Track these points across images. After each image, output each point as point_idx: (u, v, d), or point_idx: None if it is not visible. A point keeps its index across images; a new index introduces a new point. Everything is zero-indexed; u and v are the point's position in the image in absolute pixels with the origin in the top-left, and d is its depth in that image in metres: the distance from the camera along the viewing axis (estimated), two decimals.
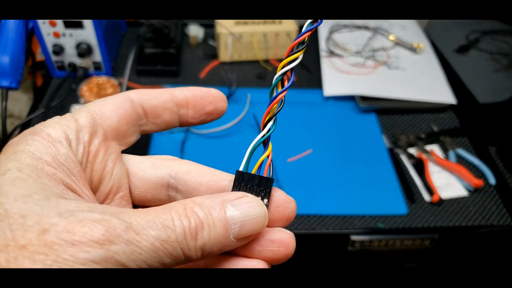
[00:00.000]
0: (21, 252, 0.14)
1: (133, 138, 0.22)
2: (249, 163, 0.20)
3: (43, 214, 0.15)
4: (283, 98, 0.20)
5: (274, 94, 0.20)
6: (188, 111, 0.22)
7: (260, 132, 0.20)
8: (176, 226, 0.17)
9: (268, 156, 0.20)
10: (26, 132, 0.17)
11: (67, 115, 0.19)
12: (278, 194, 0.20)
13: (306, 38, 0.19)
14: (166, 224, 0.16)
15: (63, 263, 0.14)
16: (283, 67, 0.20)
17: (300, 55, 0.19)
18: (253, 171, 0.20)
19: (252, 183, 0.20)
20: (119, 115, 0.20)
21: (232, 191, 0.20)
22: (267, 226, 0.20)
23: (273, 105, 0.20)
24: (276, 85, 0.20)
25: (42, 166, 0.16)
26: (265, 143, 0.20)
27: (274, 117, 0.20)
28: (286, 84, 0.20)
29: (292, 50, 0.20)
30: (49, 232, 0.14)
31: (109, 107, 0.20)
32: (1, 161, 0.16)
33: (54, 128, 0.18)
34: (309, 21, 0.19)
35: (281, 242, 0.19)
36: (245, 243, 0.19)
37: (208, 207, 0.18)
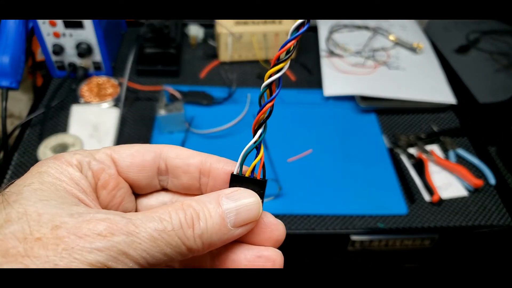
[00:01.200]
0: (37, 243, 0.16)
1: (147, 190, 0.23)
2: (242, 167, 0.21)
3: (56, 214, 0.17)
4: (271, 106, 0.20)
5: (263, 102, 0.20)
6: (209, 181, 0.22)
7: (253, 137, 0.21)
8: (172, 218, 0.18)
9: (260, 160, 0.21)
10: (50, 158, 0.21)
11: (87, 150, 0.22)
12: (267, 217, 0.21)
13: (292, 46, 0.19)
14: (163, 217, 0.18)
15: (71, 250, 0.16)
16: (270, 76, 0.20)
17: (286, 64, 0.19)
18: (247, 174, 0.21)
19: (247, 185, 0.21)
20: (132, 161, 0.22)
21: None
22: (256, 244, 0.21)
23: (262, 113, 0.20)
24: (264, 93, 0.20)
25: (60, 183, 0.19)
26: (257, 148, 0.21)
27: (264, 124, 0.21)
28: (274, 93, 0.20)
29: (278, 59, 0.19)
30: (61, 228, 0.17)
31: (128, 152, 0.22)
32: (27, 177, 0.19)
33: (71, 156, 0.21)
34: (293, 28, 0.19)
35: (267, 258, 0.21)
36: (245, 233, 0.20)
37: (203, 201, 0.19)
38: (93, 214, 0.18)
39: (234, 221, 0.19)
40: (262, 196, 0.21)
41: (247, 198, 0.20)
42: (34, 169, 0.20)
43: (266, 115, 0.21)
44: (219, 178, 0.22)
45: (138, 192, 0.23)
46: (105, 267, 0.17)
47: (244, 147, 0.22)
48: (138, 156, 0.22)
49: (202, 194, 0.22)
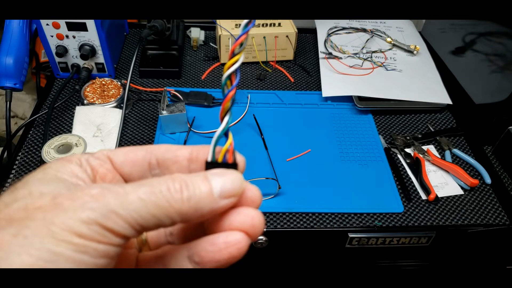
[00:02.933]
0: (36, 210, 0.18)
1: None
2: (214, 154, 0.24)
3: (56, 190, 0.19)
4: (233, 96, 0.23)
5: (226, 92, 0.22)
6: (197, 166, 0.24)
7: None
8: (161, 184, 0.20)
9: (230, 145, 0.23)
10: (54, 160, 0.23)
11: (88, 152, 0.24)
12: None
13: (244, 40, 0.22)
14: (152, 183, 0.20)
15: (66, 211, 0.18)
16: (228, 68, 0.22)
17: (241, 56, 0.22)
18: (220, 160, 0.23)
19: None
20: (126, 157, 0.24)
21: None
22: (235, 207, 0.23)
23: (225, 103, 0.23)
24: (225, 85, 0.22)
25: (60, 175, 0.21)
26: (225, 134, 0.23)
27: (229, 112, 0.23)
28: (234, 83, 0.22)
29: (233, 53, 0.22)
30: (58, 198, 0.19)
31: (122, 150, 0.25)
32: (32, 174, 0.21)
33: (71, 156, 0.23)
34: (243, 23, 0.21)
35: (246, 214, 0.22)
36: (229, 206, 0.22)
37: (191, 175, 0.21)
38: (89, 188, 0.19)
39: (220, 191, 0.21)
40: None
41: (231, 174, 0.22)
42: (39, 168, 0.22)
43: (230, 103, 0.23)
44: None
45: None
46: (98, 225, 0.18)
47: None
48: (130, 153, 0.24)
49: None
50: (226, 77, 0.22)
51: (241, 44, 0.22)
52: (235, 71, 0.22)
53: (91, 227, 0.18)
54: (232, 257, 0.21)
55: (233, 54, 0.22)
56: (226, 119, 0.23)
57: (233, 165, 0.23)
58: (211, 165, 0.23)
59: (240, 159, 0.24)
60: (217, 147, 0.24)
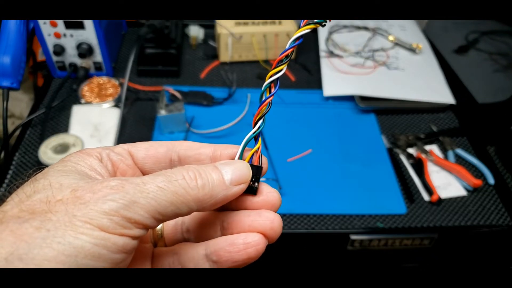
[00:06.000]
0: (58, 202, 0.19)
1: None
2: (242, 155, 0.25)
3: (75, 183, 0.20)
4: (270, 102, 0.24)
5: (263, 98, 0.24)
6: None
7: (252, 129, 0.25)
8: (176, 174, 0.21)
9: (258, 149, 0.24)
10: (74, 151, 0.23)
11: (108, 146, 0.24)
12: (263, 186, 0.25)
13: (290, 53, 0.23)
14: (168, 173, 0.21)
15: (88, 203, 0.18)
16: (271, 76, 0.24)
17: (284, 67, 0.23)
18: (246, 160, 0.24)
19: None
20: (147, 153, 0.25)
21: None
22: (255, 209, 0.24)
23: (263, 107, 0.24)
24: (265, 91, 0.24)
25: (79, 167, 0.22)
26: (256, 138, 0.25)
27: (263, 117, 0.24)
28: (273, 90, 0.24)
29: (278, 63, 0.23)
30: (78, 190, 0.19)
31: (143, 146, 0.25)
32: (52, 165, 0.22)
33: (92, 149, 0.23)
34: (293, 38, 0.23)
35: (266, 217, 0.23)
36: (239, 193, 0.23)
37: (201, 166, 0.23)
38: (107, 180, 0.20)
39: (231, 178, 0.22)
40: (258, 180, 0.24)
41: (239, 163, 0.23)
42: (59, 161, 0.22)
43: (266, 109, 0.24)
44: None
45: None
46: (120, 216, 0.18)
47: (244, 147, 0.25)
48: (152, 149, 0.25)
49: None
50: (267, 84, 0.24)
51: (287, 56, 0.23)
52: (276, 80, 0.24)
53: (112, 218, 0.18)
54: (250, 258, 0.22)
55: (277, 64, 0.23)
56: (259, 123, 0.24)
57: (258, 168, 0.24)
58: None
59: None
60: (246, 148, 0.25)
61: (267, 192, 0.24)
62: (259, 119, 0.24)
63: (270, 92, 0.24)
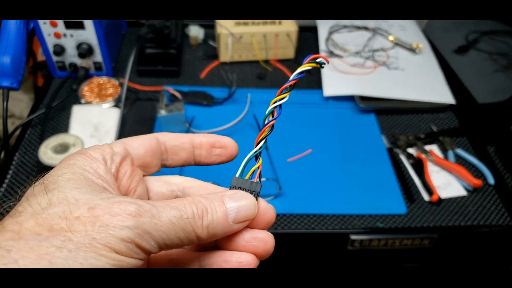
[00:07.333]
0: (76, 221, 0.19)
1: (155, 169, 0.27)
2: (244, 171, 0.26)
3: (90, 199, 0.20)
4: (273, 125, 0.26)
5: (267, 121, 0.25)
6: (202, 152, 0.28)
7: (257, 135, 0.26)
8: (187, 209, 0.22)
9: (258, 167, 0.26)
10: (75, 152, 0.24)
11: (105, 144, 0.25)
12: (259, 201, 0.25)
13: (293, 83, 0.25)
14: (180, 207, 0.22)
15: (106, 227, 0.19)
16: (275, 102, 0.25)
17: (287, 95, 0.26)
18: (247, 177, 0.26)
19: (245, 186, 0.25)
20: (145, 148, 0.26)
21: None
22: (251, 227, 0.25)
23: (265, 129, 0.26)
24: (268, 115, 0.26)
25: (87, 175, 0.22)
26: (257, 157, 0.26)
27: (265, 138, 0.26)
28: (275, 115, 0.26)
29: (282, 91, 0.25)
30: (95, 209, 0.19)
31: (138, 141, 0.26)
32: (59, 169, 0.22)
33: (95, 151, 0.24)
34: (295, 73, 0.25)
35: (261, 239, 0.24)
36: (241, 228, 0.24)
37: (211, 198, 0.23)
38: (121, 198, 0.21)
39: (235, 217, 0.23)
40: (257, 197, 0.25)
41: (246, 199, 0.24)
42: (64, 162, 0.23)
43: (269, 131, 0.26)
44: (209, 148, 0.28)
45: (147, 173, 0.27)
46: (133, 244, 0.19)
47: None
48: (147, 145, 0.26)
49: (196, 164, 0.28)
50: (271, 109, 0.25)
51: (290, 86, 0.25)
52: (279, 106, 0.26)
53: (128, 245, 0.19)
54: None
55: (281, 92, 0.25)
56: (260, 143, 0.26)
57: (257, 185, 0.25)
58: (237, 180, 0.25)
59: (271, 211, 0.26)
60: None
61: (264, 209, 0.25)
62: (261, 139, 0.26)
63: (273, 116, 0.26)
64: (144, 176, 0.27)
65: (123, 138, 0.26)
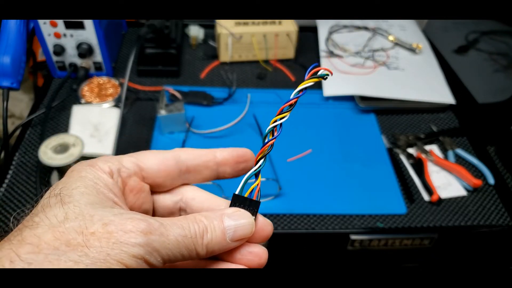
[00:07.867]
0: (92, 236, 0.20)
1: (166, 189, 0.28)
2: (243, 189, 0.26)
3: (104, 215, 0.21)
4: (272, 143, 0.26)
5: (267, 140, 0.26)
6: (226, 169, 0.28)
7: (261, 143, 0.26)
8: (190, 228, 0.23)
9: (257, 185, 0.26)
10: (85, 163, 0.24)
11: (115, 157, 0.25)
12: (258, 218, 0.26)
13: (294, 103, 0.25)
14: (185, 226, 0.23)
15: (120, 244, 0.20)
16: (275, 121, 0.25)
17: (288, 114, 0.26)
18: (246, 195, 0.26)
19: (244, 204, 0.26)
20: (159, 168, 0.26)
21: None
22: (248, 242, 0.25)
23: (265, 148, 0.26)
24: (268, 133, 0.26)
25: (99, 188, 0.23)
26: (256, 174, 0.26)
27: (265, 157, 0.26)
28: (276, 134, 0.26)
29: (282, 110, 0.26)
30: (110, 225, 0.20)
31: (154, 160, 0.26)
32: (72, 181, 0.23)
33: (104, 164, 0.24)
34: (296, 90, 0.25)
35: (256, 254, 0.25)
36: (238, 245, 0.25)
37: (211, 217, 0.24)
38: (133, 214, 0.22)
39: (232, 236, 0.24)
40: (255, 214, 0.26)
41: (244, 219, 0.25)
42: (74, 173, 0.24)
43: (268, 149, 0.26)
44: (234, 164, 0.28)
45: (159, 191, 0.28)
46: (143, 260, 0.20)
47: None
48: (162, 165, 0.26)
49: (218, 179, 0.29)
50: (271, 128, 0.26)
51: (291, 105, 0.25)
52: (279, 125, 0.26)
53: (138, 261, 0.20)
54: None
55: (282, 111, 0.26)
56: (260, 162, 0.26)
57: (256, 203, 0.26)
58: (237, 197, 0.26)
59: (269, 227, 0.27)
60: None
61: (262, 225, 0.26)
62: (260, 158, 0.26)
63: (273, 135, 0.26)
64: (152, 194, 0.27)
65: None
